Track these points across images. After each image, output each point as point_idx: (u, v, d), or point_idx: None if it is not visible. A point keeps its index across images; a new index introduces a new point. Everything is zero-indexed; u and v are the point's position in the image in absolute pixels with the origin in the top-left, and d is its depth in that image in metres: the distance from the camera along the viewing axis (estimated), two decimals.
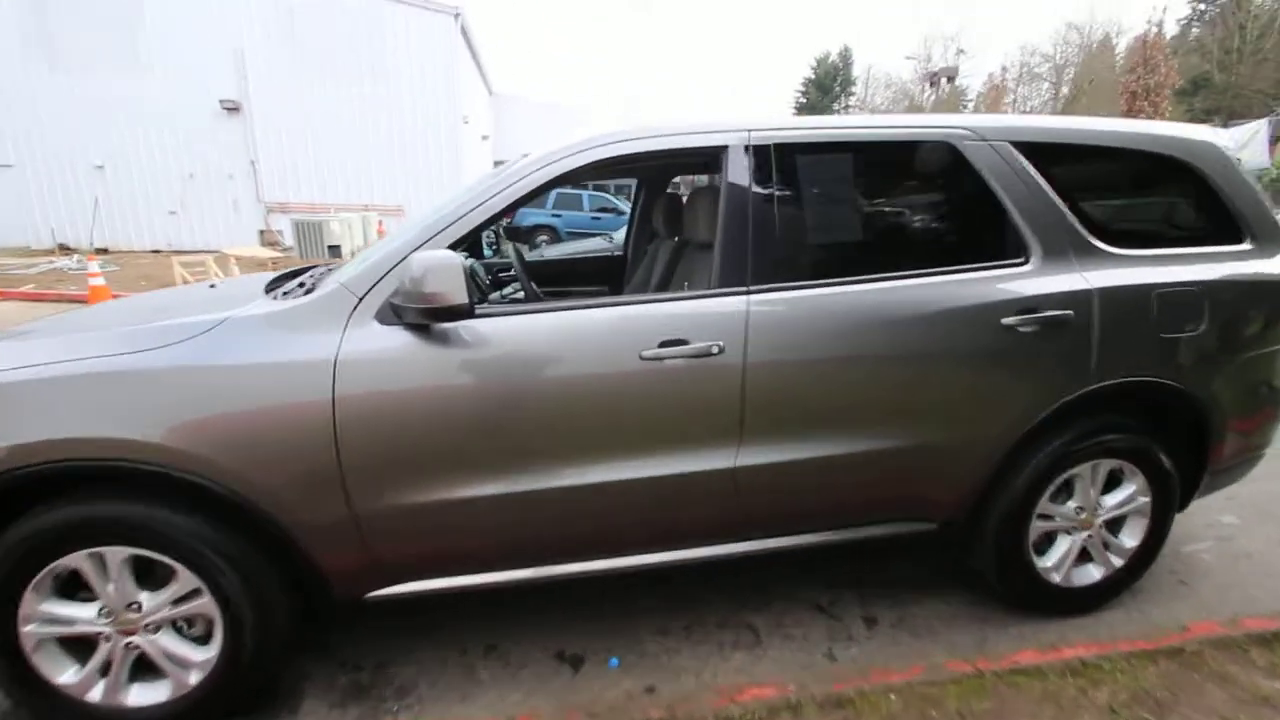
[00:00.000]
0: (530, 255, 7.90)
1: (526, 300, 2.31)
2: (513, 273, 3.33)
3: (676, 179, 3.62)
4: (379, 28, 15.27)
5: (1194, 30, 37.41)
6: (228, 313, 1.65)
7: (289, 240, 14.21)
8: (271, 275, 2.28)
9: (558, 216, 14.31)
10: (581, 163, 1.79)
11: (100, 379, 1.53)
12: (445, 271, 1.51)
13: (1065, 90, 37.72)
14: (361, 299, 1.66)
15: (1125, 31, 37.44)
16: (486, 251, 3.47)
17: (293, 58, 15.07)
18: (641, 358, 1.72)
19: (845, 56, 47.85)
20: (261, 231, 15.84)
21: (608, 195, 15.01)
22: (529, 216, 14.30)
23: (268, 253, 12.25)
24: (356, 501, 1.66)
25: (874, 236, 2.05)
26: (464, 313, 1.56)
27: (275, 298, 1.85)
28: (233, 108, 15.06)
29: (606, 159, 1.81)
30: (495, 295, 2.49)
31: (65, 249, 14.45)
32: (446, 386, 1.66)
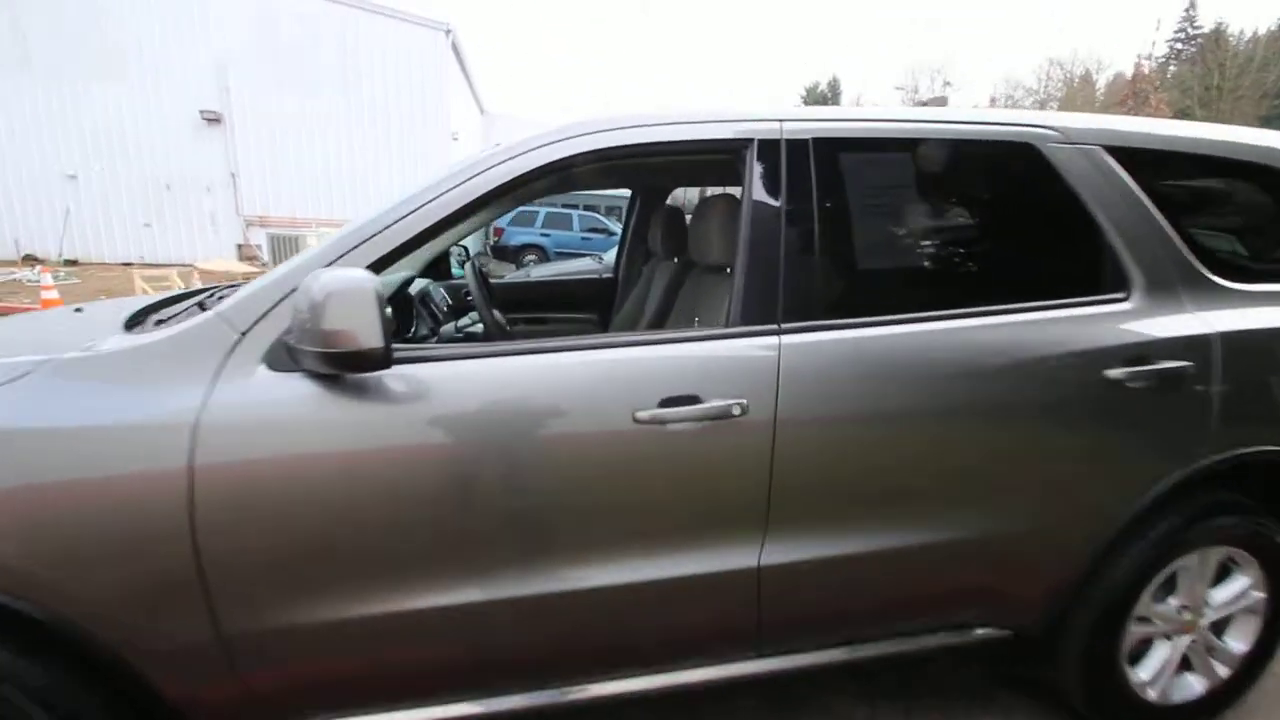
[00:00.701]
0: (514, 276, 7.42)
1: (486, 337, 1.83)
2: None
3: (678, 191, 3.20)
4: (367, 41, 14.94)
5: (1171, 68, 38.44)
6: (48, 353, 1.16)
7: (267, 255, 13.67)
8: (148, 300, 1.76)
9: (546, 236, 13.93)
10: (559, 155, 1.34)
11: None
12: (350, 301, 1.04)
13: None
14: (244, 335, 1.19)
15: (1106, 68, 38.36)
16: (458, 270, 3.00)
17: (277, 69, 14.67)
18: (636, 420, 1.25)
19: (834, 86, 48.45)
20: (239, 246, 15.28)
21: (598, 215, 14.65)
22: (517, 235, 13.92)
23: (243, 267, 11.69)
24: (226, 618, 1.17)
25: (940, 261, 1.60)
26: (375, 361, 1.09)
27: (144, 330, 1.37)
28: (213, 118, 14.60)
29: (592, 152, 1.36)
30: (449, 327, 2.01)
31: (33, 260, 13.82)
32: (363, 458, 1.19)
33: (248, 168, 15.07)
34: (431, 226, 1.27)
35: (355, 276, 1.06)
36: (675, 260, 2.29)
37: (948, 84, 42.88)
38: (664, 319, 2.08)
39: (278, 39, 14.55)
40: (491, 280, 2.76)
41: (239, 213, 15.30)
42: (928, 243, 1.56)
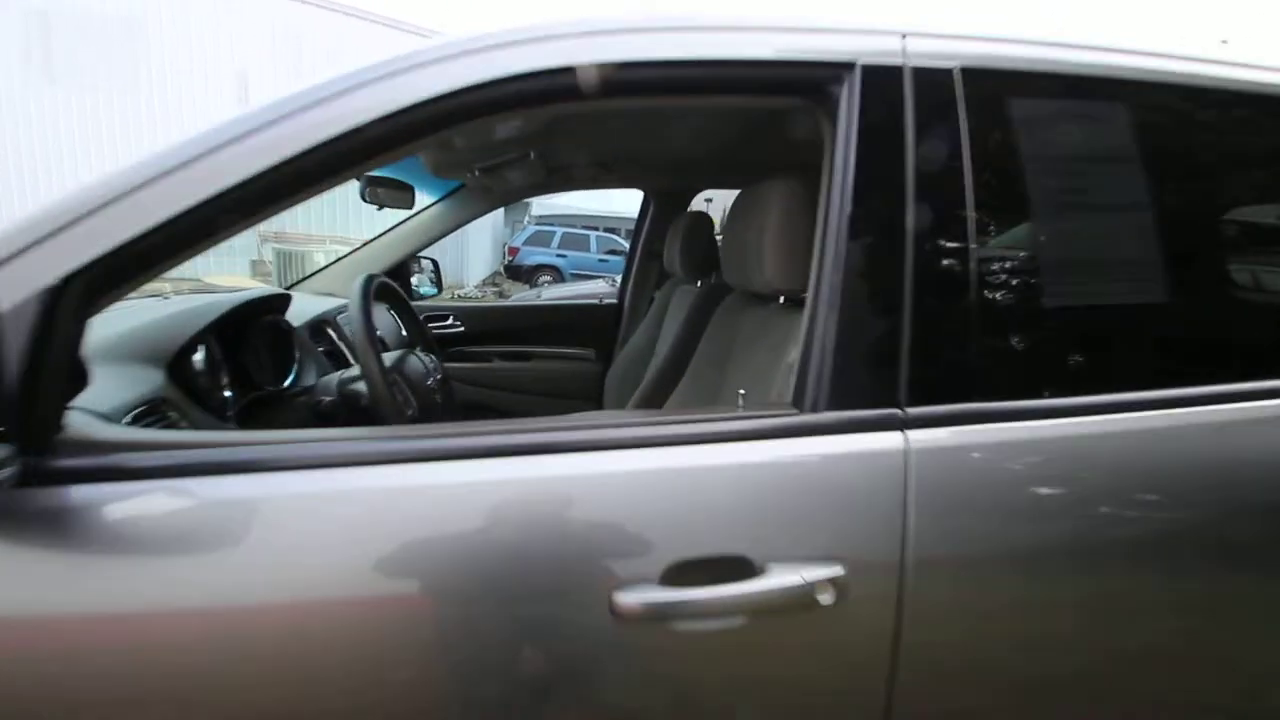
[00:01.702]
0: (519, 297, 6.88)
1: (371, 403, 1.12)
2: (449, 324, 2.24)
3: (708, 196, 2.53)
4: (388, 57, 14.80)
5: None
6: None
7: (274, 271, 13.37)
8: None
9: (562, 256, 13.41)
10: (475, 78, 0.68)
11: None
12: None
13: None
14: None
15: None
16: (429, 289, 2.38)
17: (298, 83, 14.46)
18: (615, 612, 0.60)
19: None
20: (254, 261, 15.02)
21: (616, 237, 14.14)
22: (532, 255, 13.42)
23: (255, 284, 11.36)
24: None
25: (1201, 295, 0.89)
26: None
27: None
28: None
29: (539, 75, 0.69)
30: (332, 380, 1.33)
31: None
32: (34, 633, 0.55)
33: None
34: (211, 203, 0.63)
35: None
36: (699, 285, 1.64)
37: None
38: (678, 373, 1.39)
39: (300, 55, 14.46)
40: (469, 303, 2.07)
41: (255, 228, 15.05)
42: (1182, 264, 0.86)
